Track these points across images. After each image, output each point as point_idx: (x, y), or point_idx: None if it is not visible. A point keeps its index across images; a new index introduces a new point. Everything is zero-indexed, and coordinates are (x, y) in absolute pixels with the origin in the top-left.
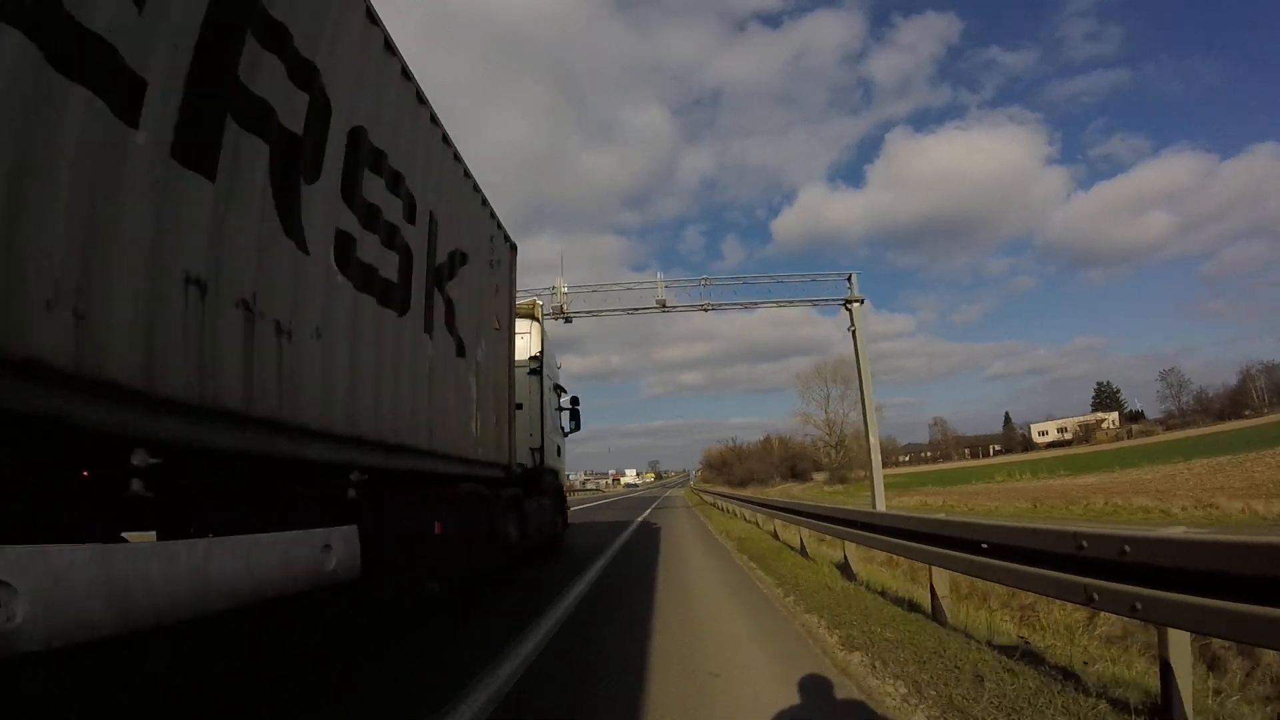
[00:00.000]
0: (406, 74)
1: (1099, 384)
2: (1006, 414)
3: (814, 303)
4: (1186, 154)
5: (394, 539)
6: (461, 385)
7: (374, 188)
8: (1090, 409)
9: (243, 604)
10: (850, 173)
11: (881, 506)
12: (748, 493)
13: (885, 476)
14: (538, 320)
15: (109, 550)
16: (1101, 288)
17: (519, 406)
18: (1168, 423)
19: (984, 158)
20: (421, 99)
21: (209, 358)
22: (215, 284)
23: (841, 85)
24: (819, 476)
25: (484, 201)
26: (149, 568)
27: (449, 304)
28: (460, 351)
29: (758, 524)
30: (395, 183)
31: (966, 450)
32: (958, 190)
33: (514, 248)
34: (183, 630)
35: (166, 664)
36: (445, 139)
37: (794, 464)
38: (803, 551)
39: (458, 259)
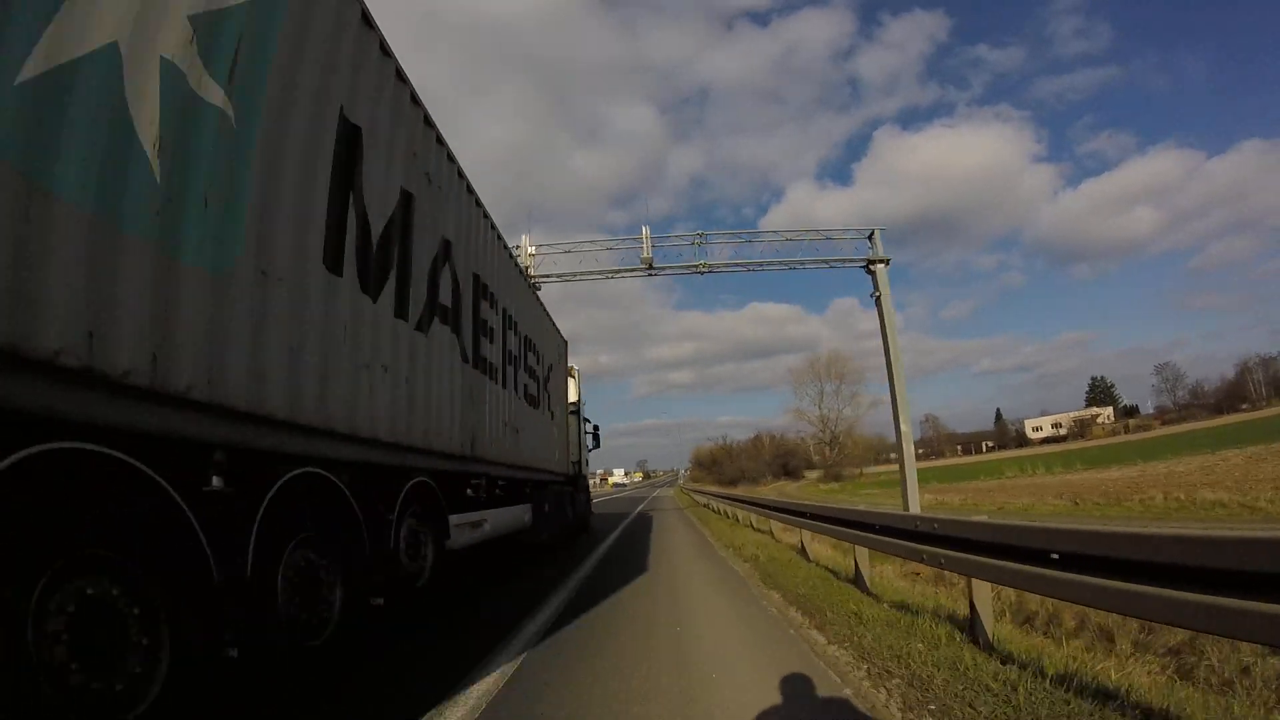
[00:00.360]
0: (542, 304)
1: (1093, 378)
2: (998, 410)
3: (829, 264)
4: (1174, 151)
5: (538, 511)
6: (551, 434)
7: (531, 358)
8: (1084, 404)
9: (511, 531)
10: (838, 171)
11: (915, 506)
12: (740, 491)
13: (881, 473)
14: (574, 378)
15: (498, 511)
16: (1089, 283)
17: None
18: (1164, 417)
19: (972, 155)
20: (540, 303)
21: (511, 447)
22: (517, 427)
23: (830, 83)
24: (811, 474)
25: (557, 330)
26: (502, 516)
27: (548, 394)
28: (552, 418)
29: (772, 534)
30: (536, 350)
31: (959, 447)
32: (946, 188)
33: (566, 344)
34: (503, 535)
35: (501, 543)
36: (547, 313)
37: (786, 462)
38: (859, 582)
39: (550, 368)
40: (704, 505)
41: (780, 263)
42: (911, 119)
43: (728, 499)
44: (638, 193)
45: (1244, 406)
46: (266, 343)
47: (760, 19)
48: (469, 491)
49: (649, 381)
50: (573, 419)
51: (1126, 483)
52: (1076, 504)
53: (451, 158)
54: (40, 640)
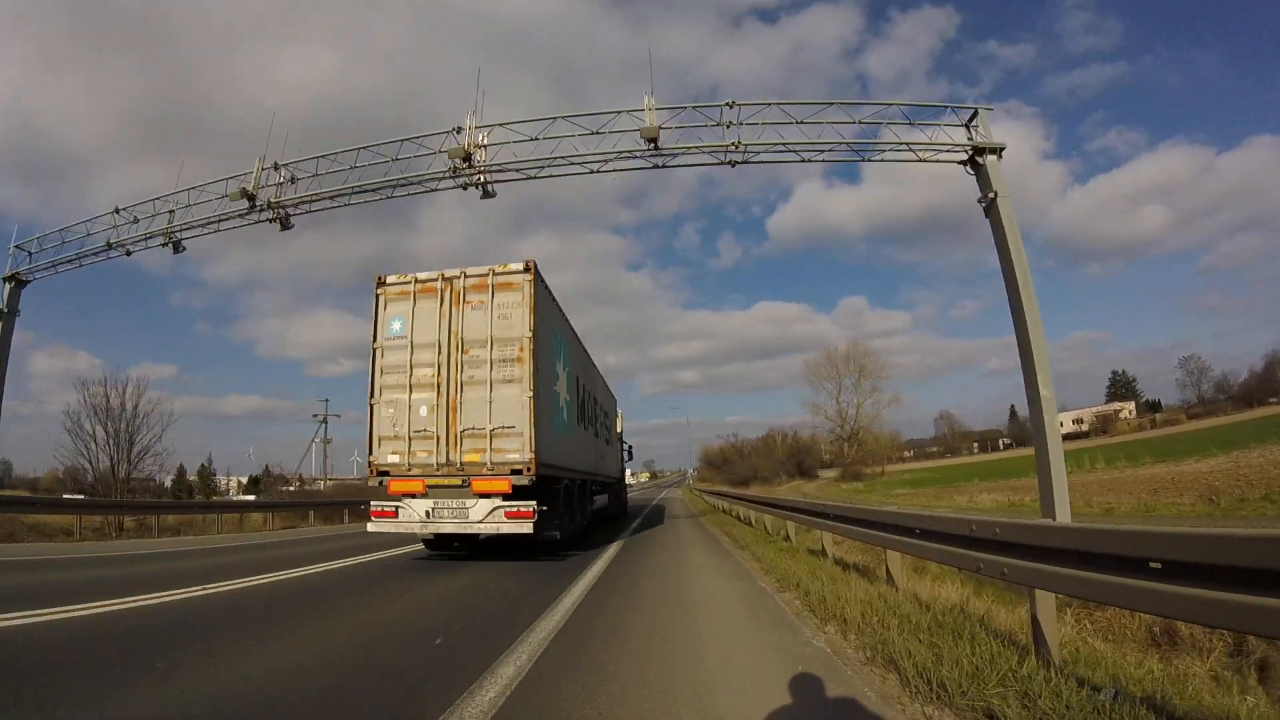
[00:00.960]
0: (606, 383)
1: (1114, 373)
2: (1012, 407)
3: (918, 154)
4: (1184, 147)
5: (609, 498)
6: (612, 456)
7: (605, 419)
8: (1104, 399)
9: (602, 506)
10: (847, 169)
11: (1065, 514)
12: (757, 492)
13: (906, 472)
14: (620, 416)
15: (599, 496)
16: (1098, 283)
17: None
18: (1190, 411)
19: None
20: (605, 383)
21: (602, 467)
22: (602, 455)
23: (838, 80)
24: (827, 473)
25: (611, 392)
26: (600, 498)
27: (610, 433)
28: (610, 445)
29: (888, 574)
30: (606, 413)
31: (975, 445)
32: (955, 185)
33: (615, 400)
34: (599, 509)
35: (600, 514)
36: (607, 385)
37: (801, 460)
38: None
39: (610, 417)
40: (723, 510)
41: (848, 148)
42: (920, 115)
43: (754, 503)
44: (647, 191)
45: (1272, 400)
46: (571, 450)
47: (768, 16)
48: (593, 487)
49: (656, 381)
50: (618, 443)
51: (1229, 475)
52: (1213, 500)
53: (589, 354)
54: (573, 510)
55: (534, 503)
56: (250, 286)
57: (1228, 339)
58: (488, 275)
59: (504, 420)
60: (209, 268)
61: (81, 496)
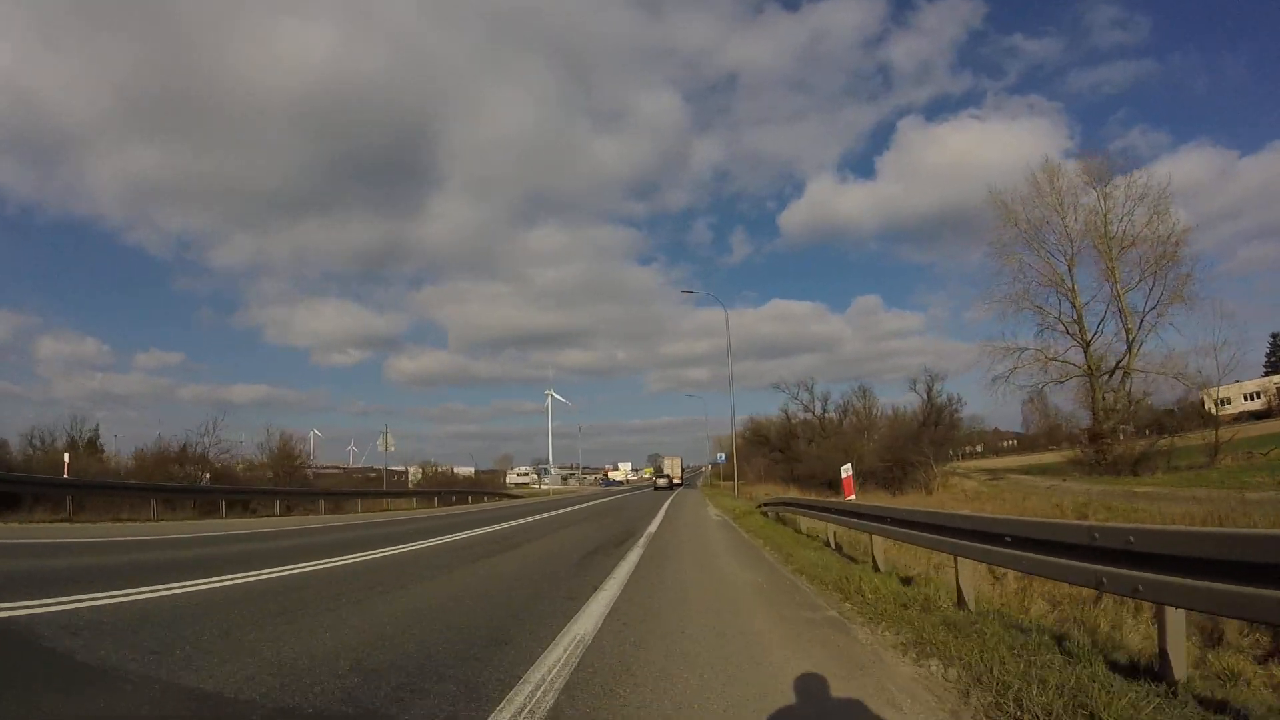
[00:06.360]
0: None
1: (1274, 335)
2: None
3: None
4: (1208, 149)
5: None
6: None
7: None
8: (1263, 371)
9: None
10: (861, 163)
11: None
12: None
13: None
14: (679, 460)
15: (680, 484)
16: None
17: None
18: None
19: (1000, 148)
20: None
21: (683, 478)
22: (685, 473)
23: (858, 71)
24: (971, 465)
25: (681, 461)
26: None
27: (683, 467)
28: (684, 470)
29: None
30: (685, 464)
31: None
32: (972, 183)
33: (681, 459)
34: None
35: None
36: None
37: (945, 437)
38: None
39: (683, 464)
40: None
41: None
42: (940, 109)
43: None
44: (659, 185)
45: None
46: (683, 475)
47: (790, 3)
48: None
49: (664, 378)
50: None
51: None
52: None
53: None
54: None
55: (678, 481)
56: (254, 273)
57: (1233, 346)
58: (675, 457)
59: (675, 472)
60: (213, 254)
61: None
